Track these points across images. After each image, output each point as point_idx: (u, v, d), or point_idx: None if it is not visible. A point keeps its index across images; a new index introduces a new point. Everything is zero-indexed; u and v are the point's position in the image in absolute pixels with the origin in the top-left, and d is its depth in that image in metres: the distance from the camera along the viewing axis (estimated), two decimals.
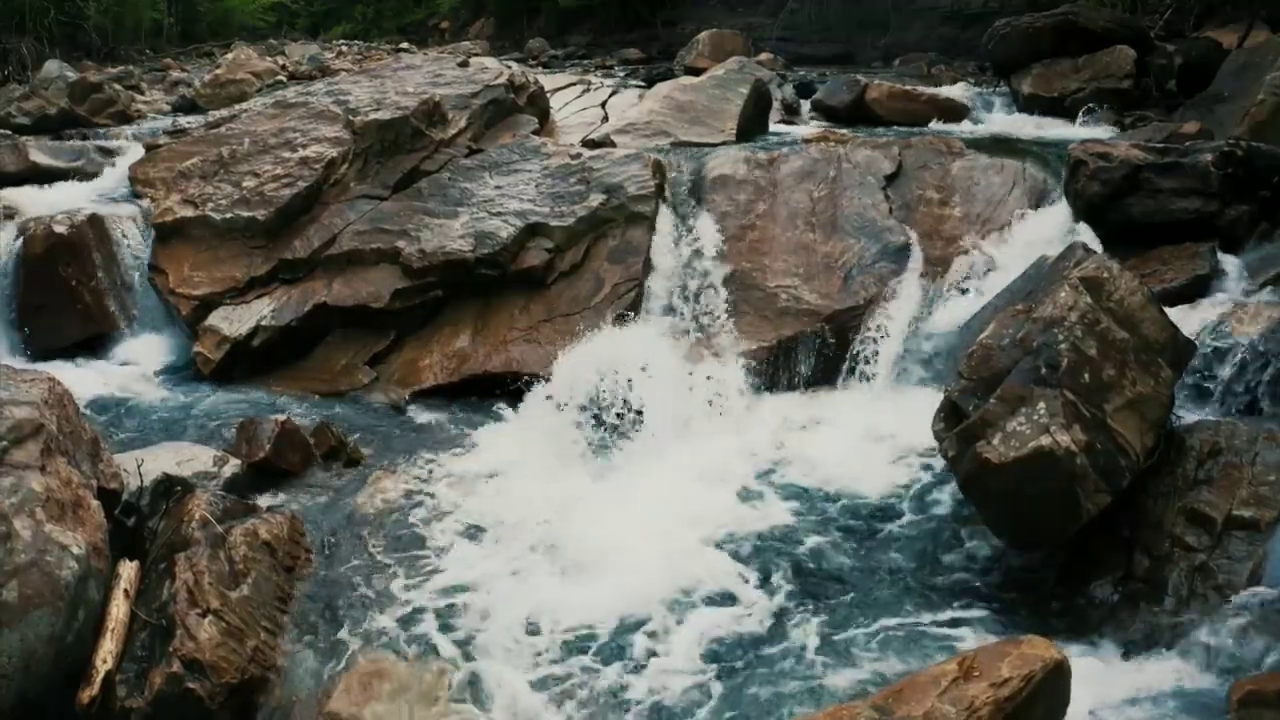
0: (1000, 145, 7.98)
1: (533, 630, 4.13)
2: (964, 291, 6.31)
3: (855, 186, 7.18)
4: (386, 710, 3.63)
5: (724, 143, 8.37)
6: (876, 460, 5.41)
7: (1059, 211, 6.56)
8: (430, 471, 5.45)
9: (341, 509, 4.98)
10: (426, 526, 4.89)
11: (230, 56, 14.69)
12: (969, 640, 4.01)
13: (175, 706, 3.59)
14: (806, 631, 4.14)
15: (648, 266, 6.93)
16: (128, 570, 4.00)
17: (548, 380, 5.85)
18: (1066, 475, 4.09)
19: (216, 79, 13.13)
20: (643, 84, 12.11)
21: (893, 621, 4.19)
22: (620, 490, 5.23)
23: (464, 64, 9.76)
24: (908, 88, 10.57)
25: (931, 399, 5.02)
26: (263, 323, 6.94)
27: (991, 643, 3.49)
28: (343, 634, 4.02)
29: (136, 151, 8.84)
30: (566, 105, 10.54)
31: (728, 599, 4.36)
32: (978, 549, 4.60)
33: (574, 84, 11.66)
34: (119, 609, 3.85)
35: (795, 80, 12.18)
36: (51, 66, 11.81)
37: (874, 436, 5.64)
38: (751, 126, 9.00)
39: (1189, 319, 5.16)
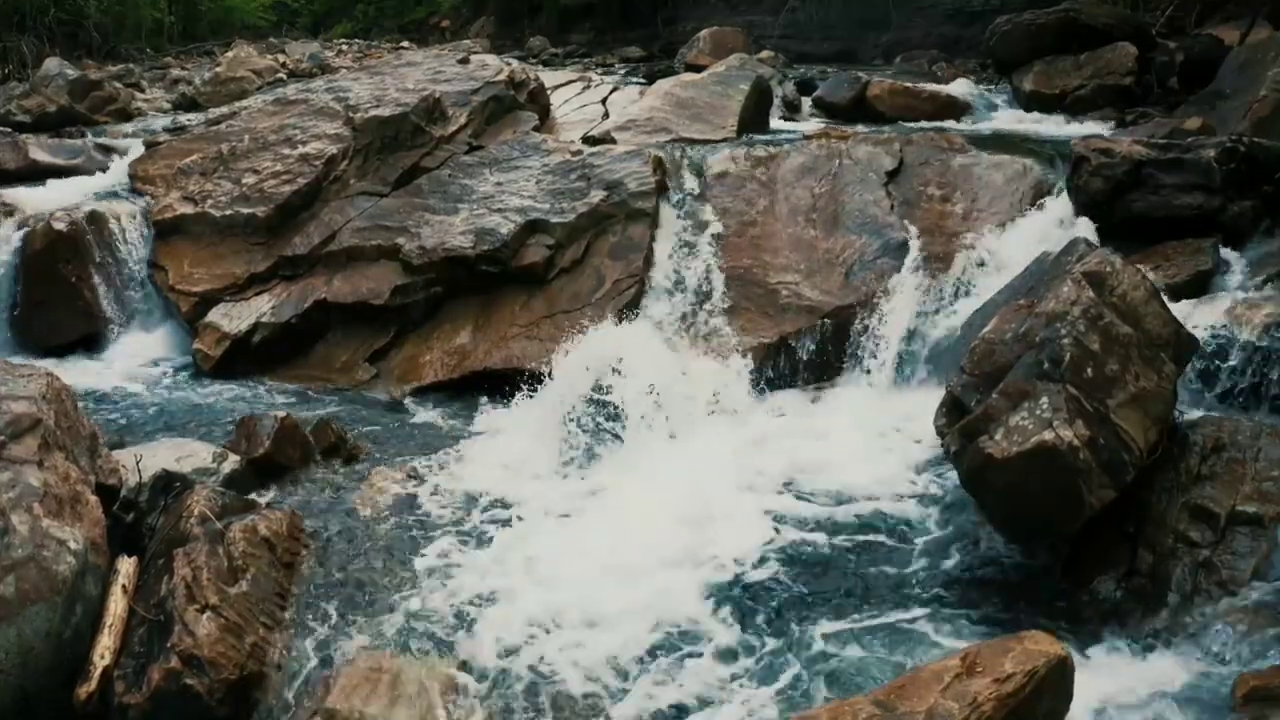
0: (1002, 142, 7.96)
1: (534, 626, 4.10)
2: (966, 287, 6.29)
3: (856, 183, 7.16)
4: (385, 707, 3.61)
5: (725, 139, 8.34)
6: (878, 456, 5.39)
7: (1061, 207, 6.53)
8: (430, 468, 5.43)
9: (341, 505, 4.96)
10: (426, 523, 4.87)
11: (231, 54, 14.71)
12: (972, 636, 3.99)
13: (174, 702, 3.57)
14: (807, 626, 4.12)
15: (648, 263, 6.91)
16: (126, 566, 3.97)
17: (548, 377, 5.83)
18: (1069, 470, 4.07)
19: (217, 77, 13.14)
20: (643, 81, 12.09)
21: (895, 617, 4.17)
22: (621, 487, 5.20)
23: (464, 61, 9.76)
24: (909, 85, 10.56)
25: (933, 395, 5.01)
26: (262, 319, 6.94)
27: (995, 638, 3.48)
28: (341, 630, 4.00)
29: (137, 149, 8.84)
30: (567, 102, 10.52)
31: (729, 596, 4.33)
32: (980, 544, 4.58)
33: (574, 81, 11.63)
34: (117, 605, 3.82)
35: (796, 77, 12.15)
36: (52, 64, 11.83)
37: (876, 432, 5.63)
38: (752, 123, 8.99)
39: (1192, 314, 5.15)
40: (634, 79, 12.95)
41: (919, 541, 4.72)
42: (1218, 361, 5.03)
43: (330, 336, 7.04)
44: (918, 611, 4.21)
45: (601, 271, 6.88)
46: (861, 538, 4.78)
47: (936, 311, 6.24)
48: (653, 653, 3.98)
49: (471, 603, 4.23)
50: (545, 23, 24.23)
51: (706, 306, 6.70)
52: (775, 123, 9.67)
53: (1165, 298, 4.68)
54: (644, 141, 8.17)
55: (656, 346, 6.02)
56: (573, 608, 4.20)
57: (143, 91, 13.66)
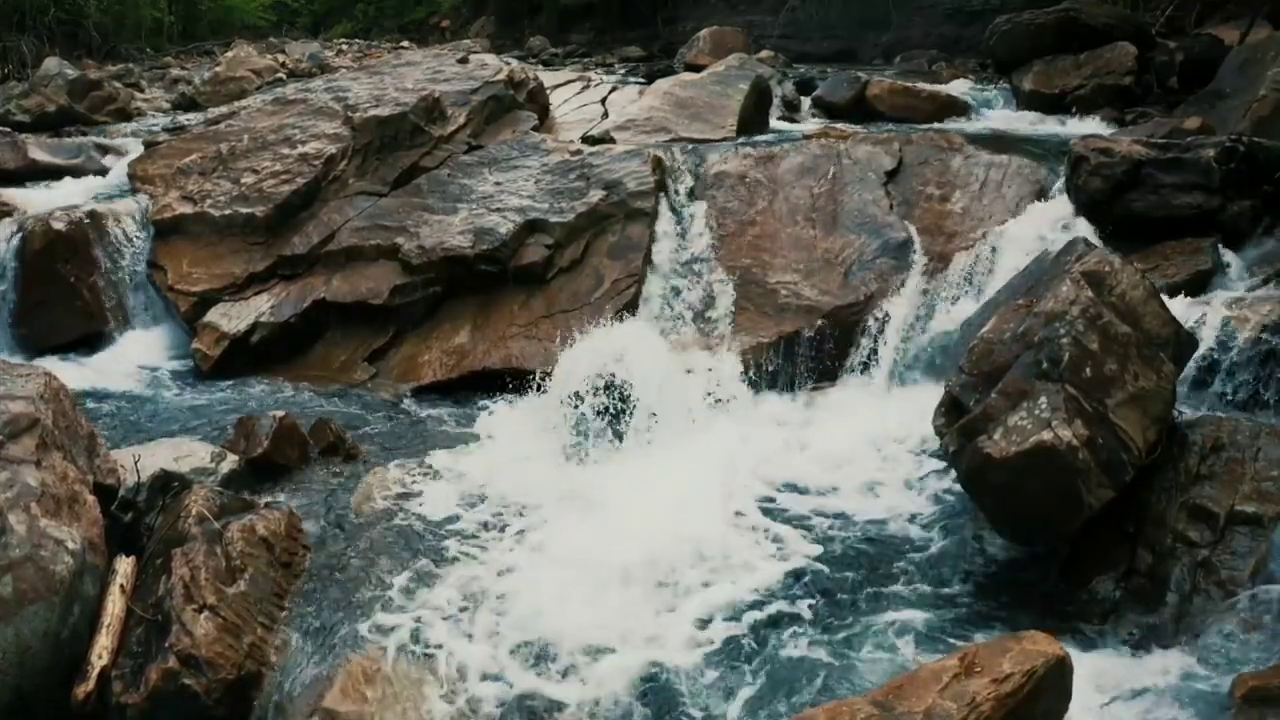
0: (1001, 141, 7.95)
1: (532, 626, 4.09)
2: (965, 287, 6.28)
3: (856, 182, 7.16)
4: (382, 706, 3.61)
5: (724, 139, 8.34)
6: (877, 456, 5.39)
7: (1060, 207, 6.53)
8: (428, 468, 5.42)
9: (339, 505, 4.96)
10: (423, 522, 4.87)
11: (230, 54, 14.74)
12: (970, 636, 3.98)
13: (172, 702, 3.57)
14: (806, 626, 4.11)
15: (647, 263, 6.91)
16: (124, 566, 3.97)
17: (547, 376, 5.82)
18: (1068, 470, 4.06)
19: (216, 76, 13.16)
20: (643, 81, 12.08)
21: (893, 617, 4.16)
22: (619, 487, 5.19)
23: (464, 60, 9.76)
24: (909, 84, 10.56)
25: (932, 395, 5.00)
26: (261, 319, 6.93)
27: (993, 638, 3.48)
28: (339, 630, 3.99)
29: (136, 149, 8.84)
30: (566, 102, 10.52)
31: (728, 596, 4.32)
32: (979, 544, 4.57)
33: (574, 81, 11.64)
34: (115, 604, 3.82)
35: (796, 77, 12.14)
36: (51, 64, 11.84)
37: (875, 432, 5.61)
38: (752, 123, 8.98)
39: (1191, 314, 5.14)
40: (633, 79, 12.95)
41: (917, 541, 4.71)
42: (1217, 361, 5.02)
43: (329, 336, 7.04)
44: (916, 611, 4.20)
45: (600, 271, 6.88)
46: (859, 538, 4.77)
47: (935, 311, 6.24)
48: (649, 655, 3.97)
49: (468, 603, 4.22)
50: (545, 23, 24.24)
51: (706, 306, 6.70)
52: (775, 122, 9.67)
53: (1164, 297, 4.67)
54: (643, 141, 8.17)
55: (655, 346, 6.00)
56: (569, 610, 4.19)
57: (142, 91, 13.67)
